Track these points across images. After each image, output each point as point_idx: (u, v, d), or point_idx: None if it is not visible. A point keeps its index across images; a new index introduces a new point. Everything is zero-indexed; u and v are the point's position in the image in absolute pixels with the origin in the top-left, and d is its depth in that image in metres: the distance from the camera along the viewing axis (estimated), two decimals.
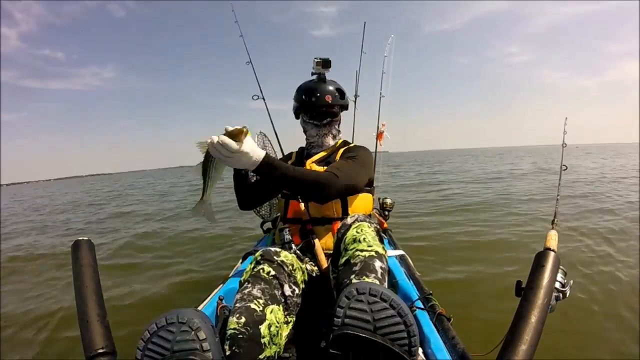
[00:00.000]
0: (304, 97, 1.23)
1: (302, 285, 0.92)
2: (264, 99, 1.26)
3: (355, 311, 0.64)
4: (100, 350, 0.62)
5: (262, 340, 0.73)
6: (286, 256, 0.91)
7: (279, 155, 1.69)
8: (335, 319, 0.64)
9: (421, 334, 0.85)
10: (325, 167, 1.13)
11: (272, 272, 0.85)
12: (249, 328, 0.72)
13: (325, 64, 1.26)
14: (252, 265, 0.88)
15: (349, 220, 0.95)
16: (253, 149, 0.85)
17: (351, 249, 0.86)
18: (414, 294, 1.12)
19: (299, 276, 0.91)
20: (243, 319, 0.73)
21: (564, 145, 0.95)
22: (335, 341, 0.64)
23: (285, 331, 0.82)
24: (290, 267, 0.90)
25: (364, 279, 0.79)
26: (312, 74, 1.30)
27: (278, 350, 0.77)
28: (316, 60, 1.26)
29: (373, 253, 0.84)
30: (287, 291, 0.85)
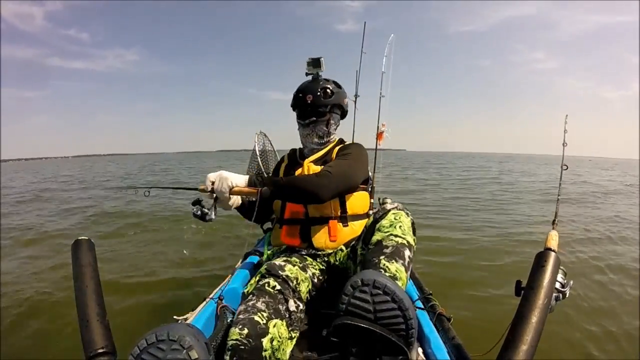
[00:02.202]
0: (293, 96, 1.24)
1: (306, 299, 0.95)
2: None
3: (358, 300, 0.69)
4: (100, 350, 0.61)
5: (264, 354, 0.72)
6: (290, 270, 0.93)
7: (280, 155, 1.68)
8: (339, 305, 0.70)
9: (421, 333, 0.85)
10: (322, 166, 1.14)
11: (278, 287, 0.86)
12: (251, 340, 0.72)
13: (315, 63, 1.24)
14: (257, 279, 0.91)
15: (388, 205, 0.99)
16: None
17: (386, 232, 0.90)
18: (414, 294, 1.12)
19: (303, 289, 0.93)
20: (246, 330, 0.73)
21: (565, 144, 0.96)
22: (337, 329, 0.69)
23: (289, 347, 0.81)
24: (295, 281, 0.91)
25: (393, 262, 0.84)
26: (306, 74, 1.27)
27: None
28: (307, 60, 1.25)
29: (405, 242, 0.89)
30: (292, 307, 0.86)
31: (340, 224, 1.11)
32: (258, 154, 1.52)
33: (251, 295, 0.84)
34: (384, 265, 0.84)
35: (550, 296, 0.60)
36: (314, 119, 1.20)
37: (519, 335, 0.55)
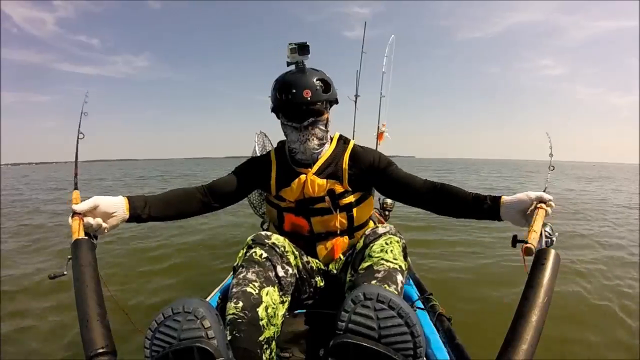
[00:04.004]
0: (277, 94, 0.99)
1: (295, 269, 0.92)
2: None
3: (360, 317, 0.61)
4: (101, 350, 0.61)
5: (261, 323, 0.74)
6: (277, 239, 0.91)
7: None
8: (338, 322, 0.62)
9: None
10: (329, 180, 1.02)
11: (265, 255, 0.85)
12: (247, 312, 0.74)
13: (302, 49, 1.00)
14: (245, 250, 0.89)
15: (380, 230, 0.94)
16: None
17: (377, 257, 0.86)
18: (414, 294, 1.12)
19: (291, 259, 0.92)
20: (241, 304, 0.75)
21: (551, 155, 0.99)
22: (336, 348, 0.61)
23: (282, 311, 0.83)
24: (282, 248, 0.90)
25: (385, 287, 0.78)
26: (288, 64, 1.04)
27: (276, 330, 0.79)
28: (290, 46, 1.00)
29: (397, 267, 0.84)
30: (280, 272, 0.85)
31: (347, 237, 1.07)
32: (258, 154, 1.53)
33: (241, 268, 0.84)
34: None
35: (551, 295, 0.60)
36: (313, 119, 0.99)
37: (519, 335, 0.55)
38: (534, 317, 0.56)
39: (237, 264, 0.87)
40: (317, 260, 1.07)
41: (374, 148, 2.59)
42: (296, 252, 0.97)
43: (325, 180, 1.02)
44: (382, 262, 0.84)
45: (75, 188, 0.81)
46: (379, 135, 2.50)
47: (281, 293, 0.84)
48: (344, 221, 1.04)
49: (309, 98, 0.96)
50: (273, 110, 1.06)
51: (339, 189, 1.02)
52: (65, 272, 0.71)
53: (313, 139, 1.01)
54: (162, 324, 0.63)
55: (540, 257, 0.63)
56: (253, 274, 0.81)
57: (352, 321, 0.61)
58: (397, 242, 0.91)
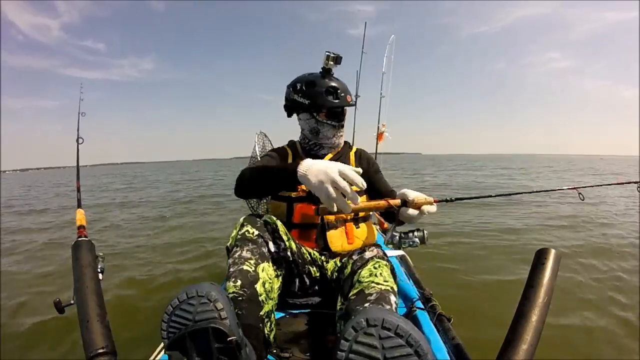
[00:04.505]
0: (325, 95, 1.12)
1: (288, 248, 0.94)
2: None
3: (363, 346, 0.54)
4: (101, 350, 0.62)
5: (260, 298, 0.79)
6: (269, 217, 0.94)
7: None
8: (337, 352, 0.54)
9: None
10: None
11: (257, 232, 0.88)
12: (246, 289, 0.77)
13: (337, 59, 1.17)
14: (237, 230, 0.91)
15: (367, 254, 0.95)
16: None
17: (367, 281, 0.85)
18: (414, 294, 1.12)
19: (284, 237, 0.94)
20: (239, 282, 0.78)
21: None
22: None
23: (277, 284, 0.87)
24: (274, 226, 0.93)
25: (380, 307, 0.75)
26: (323, 68, 1.18)
27: (274, 303, 0.84)
28: (329, 55, 1.15)
29: (389, 288, 0.83)
30: (272, 247, 0.89)
31: (354, 225, 1.11)
32: (258, 155, 1.53)
33: (235, 247, 0.86)
34: None
35: (551, 295, 0.60)
36: (344, 119, 1.18)
37: (519, 335, 0.55)
38: (534, 317, 0.56)
39: (231, 243, 0.90)
40: (314, 252, 1.07)
41: (374, 148, 2.60)
42: (289, 235, 0.99)
43: None
44: (372, 285, 0.83)
45: (79, 206, 0.83)
46: (379, 135, 2.51)
47: (275, 267, 0.88)
48: None
49: (351, 102, 1.15)
50: (307, 107, 1.14)
51: None
52: (72, 302, 0.71)
53: (341, 137, 1.20)
54: (178, 308, 0.65)
55: (540, 256, 0.63)
56: (248, 252, 0.84)
57: (353, 351, 0.54)
58: (386, 265, 0.91)
